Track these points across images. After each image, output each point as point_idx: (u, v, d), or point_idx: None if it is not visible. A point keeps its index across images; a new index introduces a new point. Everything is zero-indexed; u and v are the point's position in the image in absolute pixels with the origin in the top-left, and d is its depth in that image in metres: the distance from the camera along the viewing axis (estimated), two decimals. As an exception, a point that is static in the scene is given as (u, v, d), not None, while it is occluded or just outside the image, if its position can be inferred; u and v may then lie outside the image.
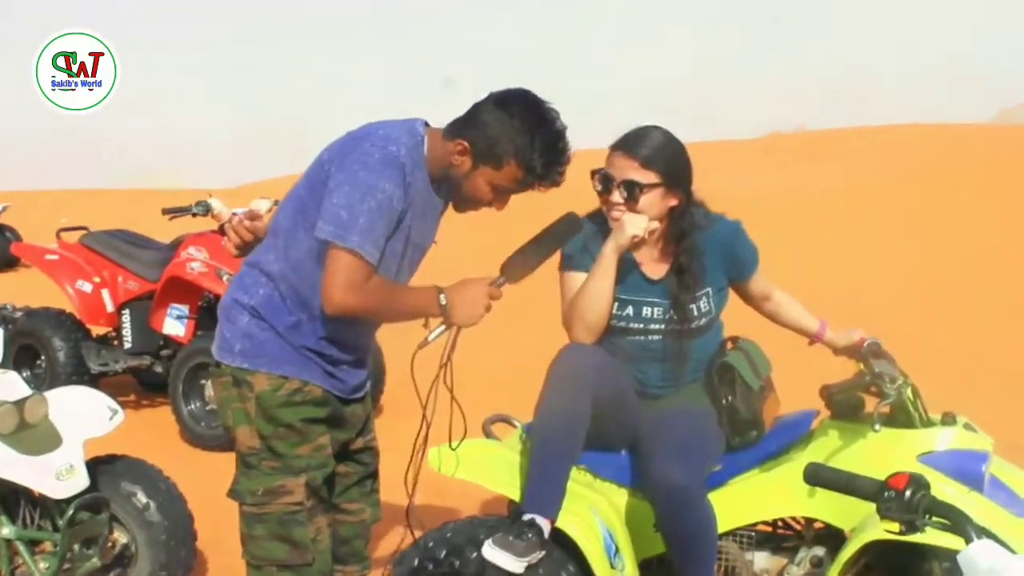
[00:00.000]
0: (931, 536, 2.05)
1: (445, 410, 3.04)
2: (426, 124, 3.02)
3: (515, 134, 2.88)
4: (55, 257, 7.63)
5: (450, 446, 3.19)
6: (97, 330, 7.66)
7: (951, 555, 3.09)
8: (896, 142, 22.14)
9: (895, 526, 1.99)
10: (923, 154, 19.65)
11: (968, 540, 1.87)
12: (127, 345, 7.40)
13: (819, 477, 2.23)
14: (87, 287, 7.39)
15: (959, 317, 10.14)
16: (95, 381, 7.04)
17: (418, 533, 3.35)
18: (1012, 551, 1.85)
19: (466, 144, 2.92)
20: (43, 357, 7.34)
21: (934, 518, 1.97)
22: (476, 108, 2.95)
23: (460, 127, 2.95)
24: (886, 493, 1.98)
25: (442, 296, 2.87)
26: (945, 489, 3.17)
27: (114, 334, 7.61)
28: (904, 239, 13.53)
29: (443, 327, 2.92)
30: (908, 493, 1.96)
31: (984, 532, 1.90)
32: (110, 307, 7.42)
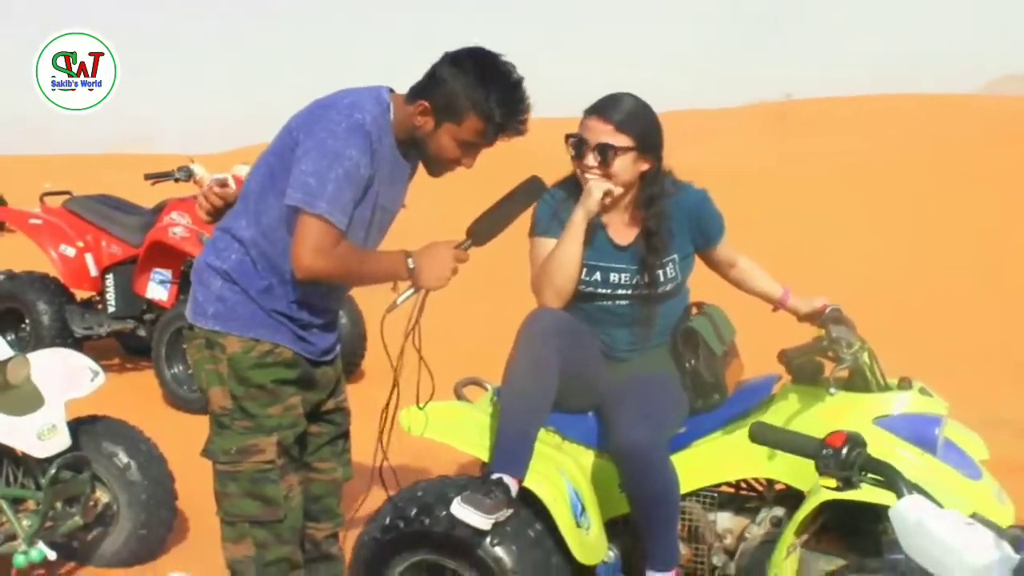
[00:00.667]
0: (866, 492, 2.15)
1: (416, 373, 3.12)
2: (391, 91, 3.08)
3: (470, 87, 2.94)
4: (39, 221, 7.67)
5: (419, 407, 3.28)
6: (81, 294, 7.73)
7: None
8: (884, 112, 22.17)
9: (832, 482, 2.09)
10: (912, 124, 19.68)
11: (899, 495, 1.97)
12: (111, 309, 7.47)
13: (763, 436, 2.33)
14: (71, 251, 7.44)
15: (948, 289, 10.22)
16: (79, 345, 7.12)
17: (390, 492, 3.45)
18: (940, 505, 1.95)
19: (426, 104, 2.98)
20: (27, 321, 7.41)
21: (869, 475, 2.07)
22: (432, 69, 3.02)
23: (419, 89, 3.02)
24: (824, 451, 2.08)
25: (410, 260, 2.94)
26: (899, 451, 3.27)
27: (98, 298, 7.68)
28: (896, 210, 13.58)
29: (411, 290, 2.99)
30: (845, 451, 2.06)
31: (915, 488, 2.00)
32: (94, 271, 7.48)
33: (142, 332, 7.47)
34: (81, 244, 7.47)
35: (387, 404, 3.18)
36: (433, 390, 3.20)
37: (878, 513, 3.30)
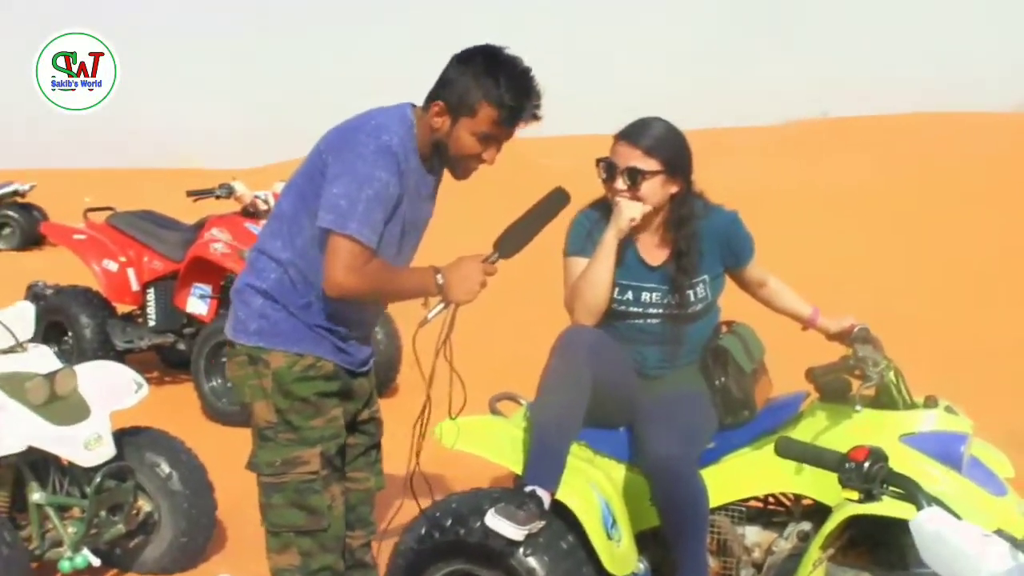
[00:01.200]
0: (887, 505, 2.23)
1: (448, 386, 3.20)
2: (413, 106, 3.17)
3: (480, 78, 3.03)
4: (82, 236, 7.83)
5: (451, 418, 3.37)
6: (122, 308, 7.86)
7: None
8: (918, 129, 22.11)
9: (855, 494, 2.17)
10: (942, 143, 19.64)
11: (919, 507, 2.04)
12: (151, 323, 7.61)
13: (788, 450, 2.41)
14: (113, 266, 7.59)
15: (978, 309, 10.18)
16: (120, 358, 7.24)
17: (424, 503, 3.53)
18: (958, 517, 2.02)
19: (441, 104, 3.07)
20: (70, 333, 7.55)
21: (890, 487, 2.15)
22: (442, 72, 3.12)
23: (433, 93, 3.12)
24: (847, 464, 2.16)
25: (439, 276, 3.03)
26: (925, 468, 3.32)
27: (138, 312, 7.82)
28: (926, 230, 13.56)
29: (441, 305, 3.08)
30: (867, 464, 2.14)
31: (934, 500, 2.07)
32: (135, 286, 7.63)
33: (182, 346, 7.60)
34: (123, 259, 7.61)
35: (420, 418, 3.28)
36: (465, 402, 3.29)
37: (904, 527, 3.37)
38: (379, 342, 7.13)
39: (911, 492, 2.09)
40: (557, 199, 3.25)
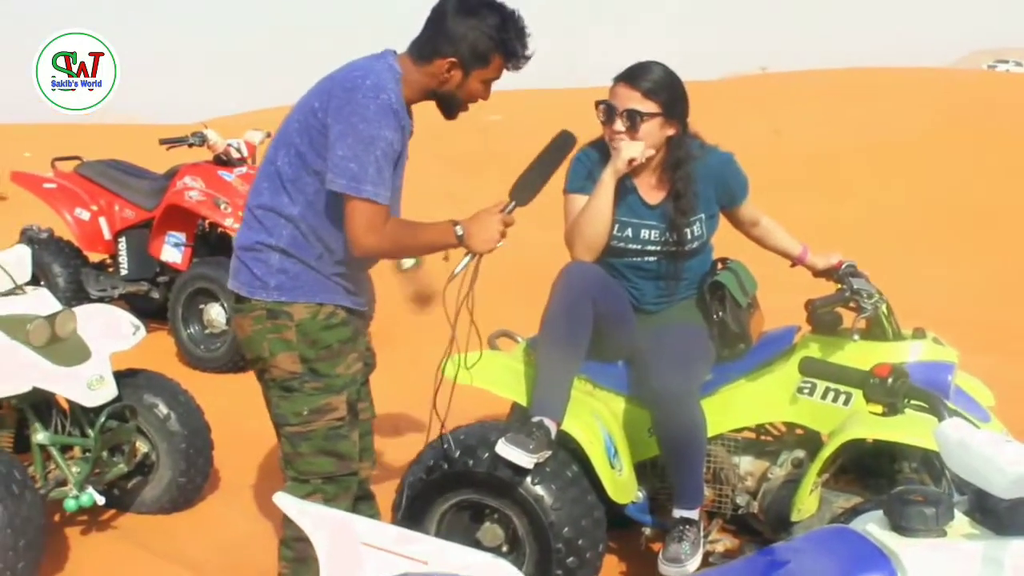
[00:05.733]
0: (908, 418, 2.37)
1: (462, 328, 3.26)
2: (395, 54, 3.23)
3: (491, 31, 3.13)
4: (53, 186, 7.77)
5: (465, 365, 3.45)
6: (94, 257, 7.85)
7: (919, 455, 3.45)
8: (859, 84, 22.34)
9: (879, 408, 2.30)
10: (882, 97, 19.88)
11: (941, 418, 2.18)
12: (123, 272, 7.59)
13: (812, 369, 2.53)
14: (85, 215, 7.56)
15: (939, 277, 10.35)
16: (94, 306, 7.23)
17: (446, 446, 3.61)
18: (977, 427, 2.15)
19: (454, 60, 3.15)
20: (43, 282, 7.50)
21: (912, 401, 2.28)
22: (440, 23, 3.17)
23: (433, 46, 3.17)
24: (872, 380, 2.29)
25: (458, 228, 3.10)
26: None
27: (110, 261, 7.81)
28: (889, 181, 13.73)
29: (468, 258, 3.15)
30: (890, 380, 2.27)
31: (955, 412, 2.21)
32: (107, 235, 7.58)
33: (155, 294, 7.60)
34: (95, 208, 7.57)
35: (443, 360, 3.33)
36: (481, 345, 3.37)
37: (893, 454, 3.54)
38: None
39: (933, 405, 2.22)
40: (563, 142, 3.31)
